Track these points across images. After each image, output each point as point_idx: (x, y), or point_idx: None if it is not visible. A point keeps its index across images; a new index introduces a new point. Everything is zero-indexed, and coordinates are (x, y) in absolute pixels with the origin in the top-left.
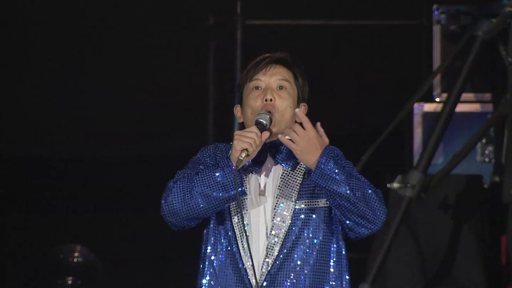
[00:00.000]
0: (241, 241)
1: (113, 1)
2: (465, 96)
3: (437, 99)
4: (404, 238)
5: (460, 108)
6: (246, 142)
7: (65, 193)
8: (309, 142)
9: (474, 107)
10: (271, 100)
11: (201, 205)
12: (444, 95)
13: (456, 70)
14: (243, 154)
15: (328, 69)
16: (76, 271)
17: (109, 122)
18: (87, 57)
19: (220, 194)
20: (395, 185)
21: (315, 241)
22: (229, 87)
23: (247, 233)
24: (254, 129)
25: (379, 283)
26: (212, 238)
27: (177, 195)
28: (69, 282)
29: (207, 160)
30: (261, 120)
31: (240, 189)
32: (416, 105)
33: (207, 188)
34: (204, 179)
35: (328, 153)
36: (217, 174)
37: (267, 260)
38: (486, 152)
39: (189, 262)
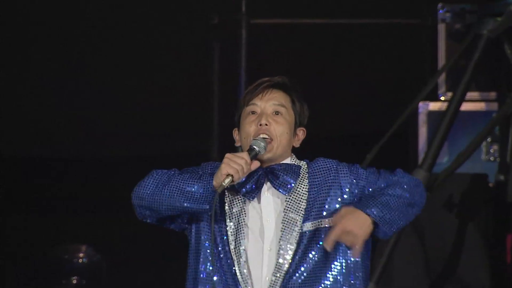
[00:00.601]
0: (239, 266)
1: (115, 0)
2: (470, 95)
3: (442, 98)
4: (409, 237)
5: (465, 107)
6: (233, 168)
7: (68, 193)
8: (350, 224)
9: (479, 106)
10: (266, 125)
11: (166, 200)
12: (449, 94)
13: (461, 69)
14: (227, 180)
15: (332, 68)
16: (81, 272)
17: (113, 122)
18: (87, 56)
19: (189, 204)
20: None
21: (324, 260)
22: (234, 87)
23: (244, 263)
24: (245, 156)
25: (385, 282)
26: (203, 265)
27: (152, 180)
28: (74, 282)
29: (199, 172)
30: (254, 146)
31: (210, 213)
32: (421, 104)
33: (180, 189)
34: (183, 180)
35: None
36: (195, 186)
37: (273, 283)
38: (491, 151)
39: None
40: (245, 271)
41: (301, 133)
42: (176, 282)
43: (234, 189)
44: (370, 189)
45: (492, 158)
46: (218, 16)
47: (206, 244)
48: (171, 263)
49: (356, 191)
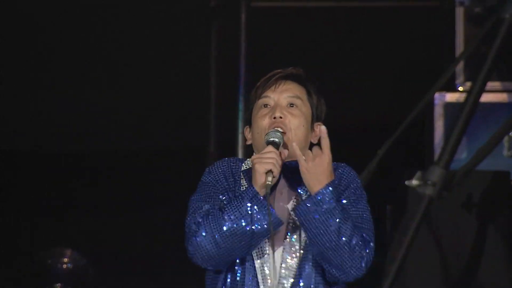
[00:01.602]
0: (261, 267)
1: None
2: (490, 85)
3: (460, 88)
4: (424, 240)
5: (486, 98)
6: (269, 163)
7: (53, 193)
8: (321, 166)
9: (501, 97)
10: (280, 117)
11: (236, 245)
12: (468, 84)
13: (481, 56)
14: (270, 178)
15: (339, 55)
16: (65, 278)
17: (107, 117)
18: (85, 51)
19: (254, 227)
20: (414, 182)
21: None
22: (233, 75)
23: (265, 259)
24: (271, 148)
25: (400, 287)
26: (226, 274)
27: (207, 236)
28: None
29: (223, 183)
30: (272, 139)
31: (273, 218)
32: (437, 95)
33: (238, 223)
34: (233, 214)
35: (334, 189)
36: (248, 205)
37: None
38: None
39: (185, 267)
40: (266, 270)
41: (319, 129)
42: (176, 277)
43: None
44: None
45: None
46: None
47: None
48: (172, 257)
49: None
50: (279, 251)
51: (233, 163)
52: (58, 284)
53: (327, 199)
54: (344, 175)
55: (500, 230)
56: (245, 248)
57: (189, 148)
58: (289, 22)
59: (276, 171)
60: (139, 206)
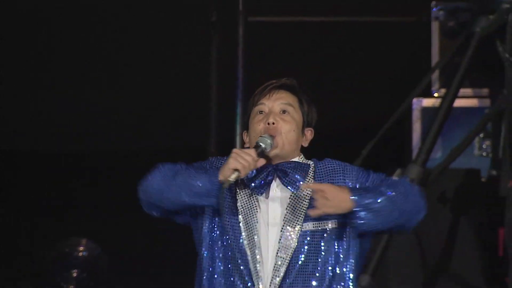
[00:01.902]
0: (253, 263)
1: None
2: (463, 91)
3: (436, 94)
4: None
5: (458, 103)
6: (240, 164)
7: (53, 193)
8: (332, 190)
9: (472, 102)
10: (273, 123)
11: (173, 196)
12: (443, 91)
13: (454, 66)
14: (233, 176)
15: (328, 65)
16: (81, 265)
17: (111, 117)
18: (86, 51)
19: (196, 199)
20: (395, 178)
21: (326, 264)
22: (231, 84)
23: (257, 255)
24: (253, 152)
25: (380, 274)
26: (216, 259)
27: (158, 175)
28: (74, 275)
29: (206, 166)
30: (260, 143)
31: (219, 207)
32: (415, 100)
33: (186, 184)
34: (189, 175)
35: (355, 190)
36: (201, 180)
37: (274, 281)
38: (484, 146)
39: (194, 257)
40: (257, 265)
41: (309, 133)
42: (176, 279)
43: (244, 184)
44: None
45: (484, 154)
46: (216, 13)
47: (217, 238)
48: (172, 257)
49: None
50: (272, 252)
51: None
52: (75, 271)
53: (362, 207)
54: (338, 172)
55: (472, 222)
56: (180, 204)
57: (189, 148)
58: (283, 36)
59: (244, 173)
60: (139, 206)
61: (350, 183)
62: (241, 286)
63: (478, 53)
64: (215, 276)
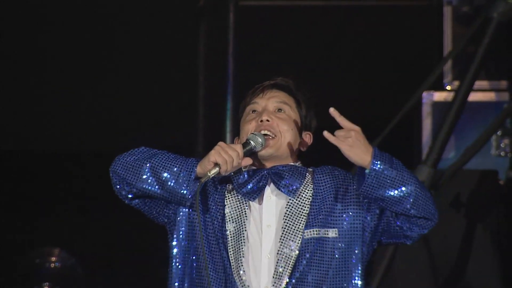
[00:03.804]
0: (238, 272)
1: None
2: (478, 84)
3: (448, 87)
4: None
5: (473, 97)
6: (222, 158)
7: (41, 192)
8: (360, 137)
9: (489, 96)
10: (267, 121)
11: (144, 174)
12: (456, 83)
13: (469, 55)
14: (213, 171)
15: (329, 54)
16: (53, 277)
17: (94, 116)
18: (75, 48)
19: (168, 184)
20: None
21: (327, 274)
22: (221, 75)
23: (243, 266)
24: (239, 148)
25: (389, 284)
26: (194, 270)
27: (136, 152)
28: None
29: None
30: (250, 141)
31: (190, 203)
32: (425, 94)
33: (161, 165)
34: (167, 159)
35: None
36: (177, 167)
37: None
38: (502, 145)
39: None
40: (244, 278)
41: (308, 138)
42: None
43: (234, 189)
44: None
45: (502, 153)
46: None
47: (192, 248)
48: (150, 267)
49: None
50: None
51: None
52: (46, 284)
53: (383, 163)
54: (339, 179)
55: (488, 229)
56: (149, 185)
57: (177, 148)
58: (277, 21)
59: (224, 169)
60: (120, 212)
61: (351, 186)
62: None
63: (495, 41)
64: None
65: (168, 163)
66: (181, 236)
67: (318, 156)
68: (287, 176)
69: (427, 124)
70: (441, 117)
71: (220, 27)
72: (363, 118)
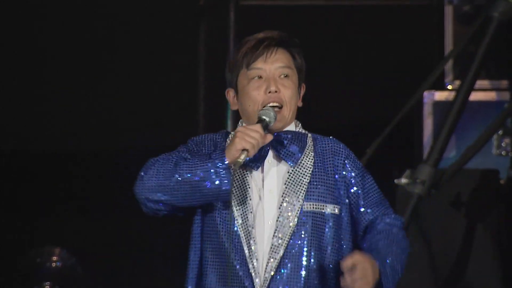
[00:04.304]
0: (247, 243)
1: None
2: (479, 83)
3: (449, 87)
4: (413, 238)
5: (474, 96)
6: (249, 143)
7: (41, 192)
8: (364, 273)
9: (490, 96)
10: (275, 92)
11: (184, 192)
12: (457, 82)
13: (470, 55)
14: (243, 156)
15: (330, 54)
16: (54, 276)
17: (94, 115)
18: (73, 47)
19: (208, 198)
20: (403, 180)
21: (323, 248)
22: (221, 73)
23: (253, 235)
24: (259, 128)
25: None
26: (208, 242)
27: (160, 171)
28: (46, 287)
29: (202, 150)
30: (264, 117)
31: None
32: (426, 93)
33: (193, 186)
34: (192, 167)
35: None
36: (208, 164)
37: (270, 263)
38: (503, 144)
39: (175, 267)
40: (252, 248)
41: (302, 89)
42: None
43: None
44: (369, 210)
45: (503, 153)
46: None
47: (219, 225)
48: (156, 267)
49: (359, 191)
50: (269, 229)
51: (218, 136)
52: (47, 283)
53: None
54: (341, 156)
55: (489, 229)
56: (189, 196)
57: (178, 145)
58: (278, 20)
59: (253, 152)
60: (129, 204)
61: (348, 174)
62: (237, 266)
63: (496, 40)
64: (209, 256)
65: (196, 179)
66: (200, 216)
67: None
68: (289, 143)
69: (428, 124)
70: (442, 116)
71: (220, 27)
72: (364, 118)
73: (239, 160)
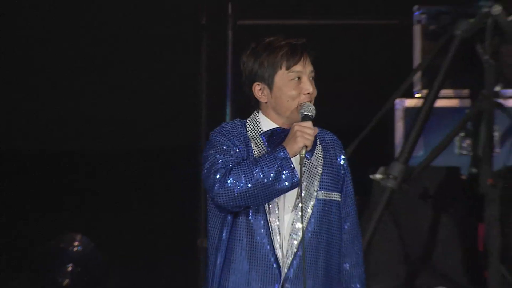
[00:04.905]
0: (277, 223)
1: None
2: (444, 92)
3: (418, 95)
4: (386, 226)
5: (440, 103)
6: (308, 140)
7: (66, 187)
8: None
9: (453, 103)
10: (309, 92)
11: (259, 194)
12: (424, 91)
13: (436, 67)
14: (303, 151)
15: (316, 67)
16: (76, 259)
17: (108, 117)
18: (80, 52)
19: (282, 185)
20: (378, 176)
21: (330, 231)
22: (221, 85)
23: (278, 218)
24: (310, 125)
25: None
26: (237, 223)
27: (237, 182)
28: (69, 269)
29: (233, 141)
30: (309, 113)
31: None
32: (397, 101)
33: (267, 179)
34: (266, 167)
35: None
36: (285, 182)
37: (291, 244)
38: (464, 145)
39: (184, 256)
40: (278, 230)
41: None
42: (170, 277)
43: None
44: (346, 222)
45: (465, 152)
46: (206, 16)
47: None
48: (152, 265)
49: (344, 189)
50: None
51: (238, 125)
52: (70, 265)
53: None
54: (337, 148)
55: (452, 218)
56: (265, 198)
57: (182, 146)
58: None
59: (310, 147)
60: (134, 202)
61: (344, 171)
62: (266, 242)
63: (459, 55)
64: (237, 236)
65: (267, 172)
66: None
67: None
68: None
69: (399, 127)
70: (412, 121)
71: (220, 43)
72: (344, 123)
73: (301, 155)
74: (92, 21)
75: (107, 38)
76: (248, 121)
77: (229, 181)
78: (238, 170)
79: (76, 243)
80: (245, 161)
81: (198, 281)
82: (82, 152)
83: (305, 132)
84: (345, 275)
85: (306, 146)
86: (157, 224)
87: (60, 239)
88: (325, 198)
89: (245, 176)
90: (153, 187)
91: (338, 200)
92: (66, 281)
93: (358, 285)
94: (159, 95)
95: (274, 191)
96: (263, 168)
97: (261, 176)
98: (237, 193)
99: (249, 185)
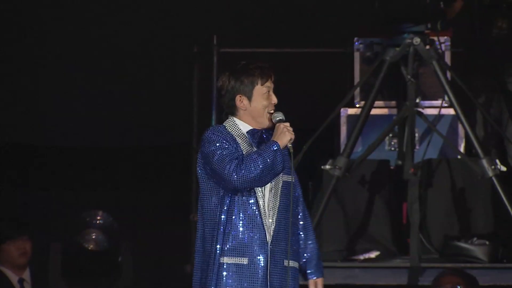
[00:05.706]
0: (262, 201)
1: (118, 24)
2: (377, 103)
3: (357, 105)
4: (334, 206)
5: (374, 112)
6: (292, 134)
7: (90, 178)
8: None
9: (384, 111)
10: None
11: (264, 177)
12: (362, 103)
13: (370, 84)
14: (289, 144)
15: (279, 85)
16: (98, 229)
17: (110, 115)
18: (85, 63)
19: (277, 169)
20: (327, 167)
21: (294, 205)
22: (208, 98)
23: (264, 197)
24: (288, 124)
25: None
26: (235, 203)
27: (250, 170)
28: (93, 236)
29: (227, 138)
30: (282, 118)
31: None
32: (342, 110)
33: (275, 171)
34: (268, 158)
35: None
36: (277, 156)
37: (273, 216)
38: (392, 143)
39: (179, 228)
40: (265, 207)
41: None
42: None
43: (246, 140)
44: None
45: (393, 148)
46: (197, 46)
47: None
48: (148, 264)
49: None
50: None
51: (222, 128)
52: (94, 234)
53: None
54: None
55: (383, 199)
56: (268, 180)
57: (175, 145)
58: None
59: (293, 139)
60: (130, 198)
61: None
62: (257, 214)
63: (388, 75)
64: (235, 212)
65: (276, 167)
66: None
67: None
68: (271, 135)
69: (343, 130)
70: (353, 125)
71: (208, 65)
72: (302, 126)
73: (289, 145)
74: (92, 33)
75: (114, 50)
76: (226, 125)
77: (243, 169)
78: (248, 160)
79: (98, 217)
80: (249, 153)
81: (191, 248)
82: (73, 149)
83: (289, 129)
84: (302, 235)
85: (291, 139)
86: (155, 202)
87: (87, 214)
88: (287, 180)
89: (253, 164)
90: (151, 179)
91: (290, 181)
92: (91, 246)
93: (310, 242)
94: (160, 105)
95: (273, 174)
96: (264, 158)
97: (266, 163)
98: (250, 178)
99: (258, 171)
